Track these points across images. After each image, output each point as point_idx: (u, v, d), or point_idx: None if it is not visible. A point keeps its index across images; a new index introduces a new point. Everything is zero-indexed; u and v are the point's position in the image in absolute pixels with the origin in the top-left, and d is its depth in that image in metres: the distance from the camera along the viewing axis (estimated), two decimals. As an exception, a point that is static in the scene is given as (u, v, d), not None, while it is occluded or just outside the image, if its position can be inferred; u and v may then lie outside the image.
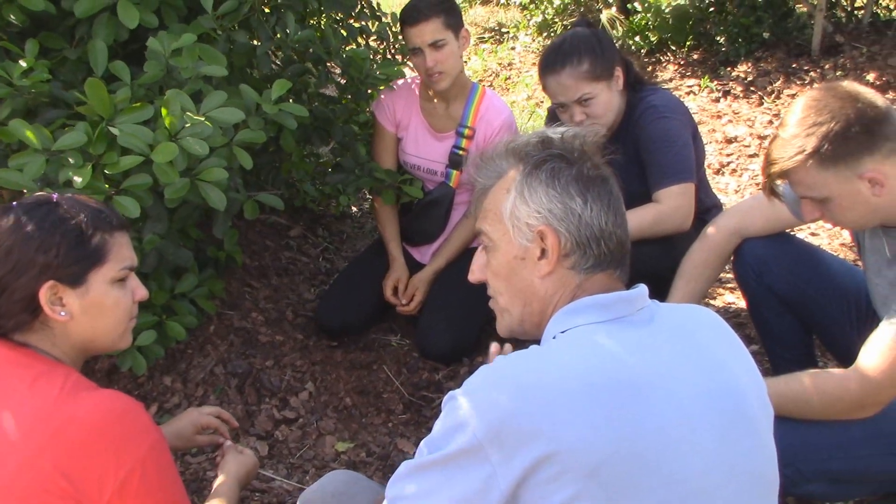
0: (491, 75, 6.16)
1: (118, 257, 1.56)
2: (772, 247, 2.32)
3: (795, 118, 1.77)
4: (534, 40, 6.50)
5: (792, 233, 2.47)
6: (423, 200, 3.06)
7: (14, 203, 1.54)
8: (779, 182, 1.88)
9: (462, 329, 2.96)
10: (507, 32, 6.88)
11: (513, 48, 6.61)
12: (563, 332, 1.34)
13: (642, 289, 1.38)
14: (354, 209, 4.13)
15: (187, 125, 2.14)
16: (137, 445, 1.42)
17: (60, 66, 2.45)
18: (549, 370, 1.24)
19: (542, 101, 5.55)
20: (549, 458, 1.17)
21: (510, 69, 6.20)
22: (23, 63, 2.20)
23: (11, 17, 2.25)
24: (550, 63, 2.62)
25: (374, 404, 2.81)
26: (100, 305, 1.54)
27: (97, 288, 1.53)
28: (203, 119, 2.17)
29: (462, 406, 1.25)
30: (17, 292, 1.47)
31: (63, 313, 1.51)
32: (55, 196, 1.56)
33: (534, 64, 6.35)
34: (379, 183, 3.00)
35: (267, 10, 2.71)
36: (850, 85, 1.77)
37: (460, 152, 3.00)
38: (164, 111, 2.12)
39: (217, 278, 2.91)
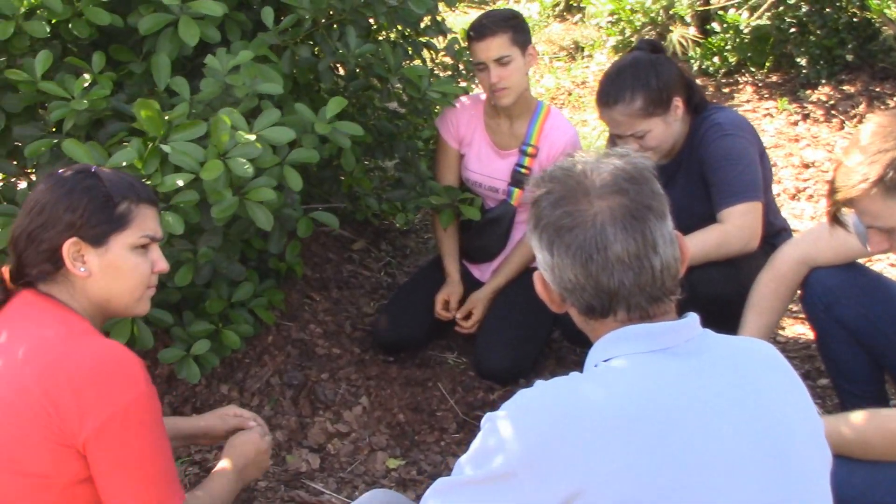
0: (564, 93, 6.11)
1: (141, 226, 1.66)
2: (841, 277, 2.22)
3: (860, 144, 1.69)
4: (609, 60, 6.42)
5: (864, 263, 2.37)
6: (483, 218, 3.03)
7: (60, 170, 1.68)
8: (844, 210, 1.81)
9: (520, 349, 2.92)
10: (583, 50, 6.81)
11: (587, 67, 6.55)
12: (605, 361, 1.30)
13: (692, 318, 1.32)
14: (418, 225, 4.12)
15: (237, 144, 2.16)
16: (123, 393, 1.50)
17: (128, 79, 2.51)
18: (589, 401, 1.21)
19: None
20: (582, 494, 1.14)
21: (584, 87, 6.14)
22: (86, 76, 2.25)
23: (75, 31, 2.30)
24: (604, 97, 2.57)
25: (428, 422, 2.78)
26: (117, 268, 1.64)
27: (116, 251, 1.63)
28: (253, 139, 2.19)
29: (500, 429, 1.23)
30: (44, 244, 1.60)
31: (83, 269, 1.61)
32: (94, 168, 1.69)
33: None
34: (437, 202, 2.98)
35: (334, 26, 2.72)
36: (921, 110, 1.69)
37: (523, 171, 2.96)
38: (213, 130, 2.15)
39: (277, 289, 2.94)
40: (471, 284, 3.11)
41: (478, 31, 2.79)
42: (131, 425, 1.51)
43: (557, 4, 7.25)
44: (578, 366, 3.10)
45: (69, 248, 1.59)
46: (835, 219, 1.84)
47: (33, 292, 1.63)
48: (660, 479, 1.14)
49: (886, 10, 5.07)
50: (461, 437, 2.73)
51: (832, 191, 1.78)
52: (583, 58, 6.69)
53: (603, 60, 6.49)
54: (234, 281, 2.76)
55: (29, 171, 2.63)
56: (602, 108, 2.58)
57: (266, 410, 2.71)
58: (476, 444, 1.28)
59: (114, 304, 1.67)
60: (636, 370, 1.25)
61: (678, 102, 2.54)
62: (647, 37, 5.94)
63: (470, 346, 3.11)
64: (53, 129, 2.42)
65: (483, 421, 1.29)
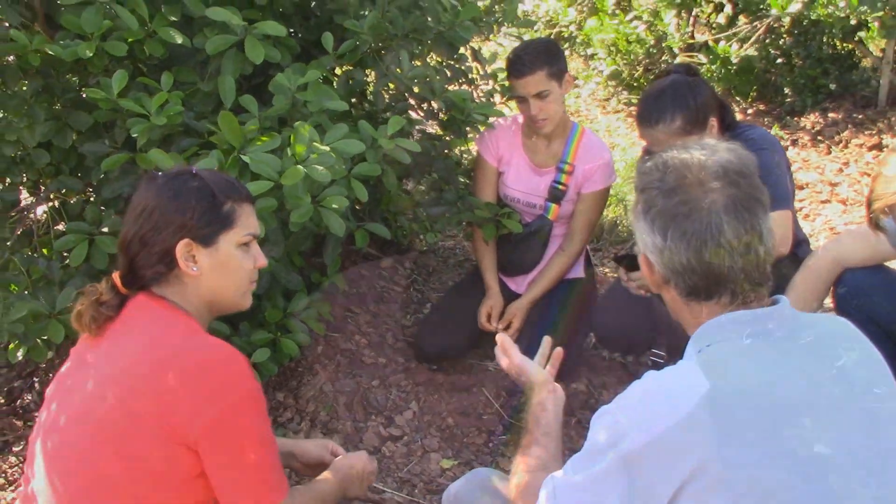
0: (557, 122, 6.32)
1: (245, 224, 1.75)
2: (873, 277, 2.40)
3: None
4: (604, 88, 6.67)
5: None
6: (521, 232, 3.18)
7: (160, 172, 1.76)
8: (882, 217, 1.98)
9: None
10: (575, 79, 7.04)
11: (578, 96, 6.78)
12: (708, 346, 1.39)
13: (784, 301, 1.44)
14: (437, 245, 4.26)
15: (313, 154, 2.30)
16: (231, 391, 1.57)
17: (193, 98, 2.64)
18: (699, 386, 1.28)
19: (614, 145, 5.69)
20: (704, 469, 1.22)
21: (576, 116, 6.35)
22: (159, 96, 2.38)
23: (148, 51, 2.43)
24: (645, 116, 2.71)
25: (476, 425, 2.91)
26: (226, 265, 1.73)
27: (225, 249, 1.72)
28: (328, 149, 2.33)
29: (619, 420, 1.32)
30: (157, 246, 1.67)
31: (195, 268, 1.69)
32: (194, 168, 1.76)
33: (600, 110, 6.51)
34: (480, 216, 3.14)
35: (383, 51, 2.88)
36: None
37: (560, 187, 3.13)
38: (292, 139, 2.28)
39: (324, 301, 3.06)
40: (507, 296, 3.26)
41: (516, 69, 2.94)
42: (241, 422, 1.57)
43: (549, 34, 7.48)
44: (610, 371, 3.25)
45: (182, 248, 1.67)
46: (877, 225, 2.02)
47: (147, 295, 1.70)
48: (778, 461, 1.23)
49: (869, 43, 5.36)
50: (508, 438, 2.86)
51: (872, 199, 1.96)
52: (574, 87, 6.92)
53: (595, 88, 6.72)
54: (288, 292, 2.88)
55: (91, 186, 2.75)
56: (643, 127, 2.73)
57: (322, 416, 2.83)
58: (591, 440, 1.36)
59: (221, 300, 1.75)
60: (743, 355, 1.36)
61: (713, 122, 2.72)
62: (638, 68, 6.20)
63: (508, 355, 3.24)
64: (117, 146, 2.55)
65: (597, 415, 1.38)
